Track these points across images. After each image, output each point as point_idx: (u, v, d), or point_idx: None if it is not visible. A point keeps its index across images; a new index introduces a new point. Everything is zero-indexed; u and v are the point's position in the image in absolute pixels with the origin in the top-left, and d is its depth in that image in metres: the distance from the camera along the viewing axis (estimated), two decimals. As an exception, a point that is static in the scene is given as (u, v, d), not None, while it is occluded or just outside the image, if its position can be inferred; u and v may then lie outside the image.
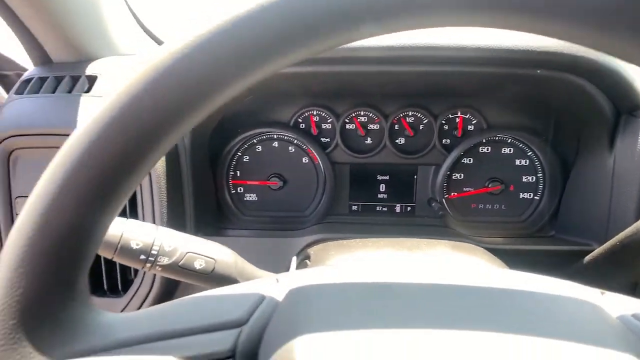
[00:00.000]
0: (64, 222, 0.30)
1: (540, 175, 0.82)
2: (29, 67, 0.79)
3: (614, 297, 0.36)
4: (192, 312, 0.34)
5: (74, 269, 0.31)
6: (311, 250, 0.68)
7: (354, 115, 0.82)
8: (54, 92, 0.71)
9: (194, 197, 0.74)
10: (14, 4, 0.68)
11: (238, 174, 0.86)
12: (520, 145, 0.81)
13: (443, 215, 0.81)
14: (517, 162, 0.82)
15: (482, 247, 0.68)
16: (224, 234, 0.81)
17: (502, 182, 0.82)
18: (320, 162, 0.83)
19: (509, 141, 0.81)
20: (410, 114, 0.81)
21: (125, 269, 0.72)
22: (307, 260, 0.64)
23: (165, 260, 0.46)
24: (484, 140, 0.81)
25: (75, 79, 0.72)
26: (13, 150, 0.71)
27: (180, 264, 0.46)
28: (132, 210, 0.69)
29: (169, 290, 0.73)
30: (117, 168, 0.29)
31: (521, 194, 0.83)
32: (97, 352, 0.31)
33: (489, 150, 0.82)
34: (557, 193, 0.82)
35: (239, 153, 0.84)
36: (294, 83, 0.74)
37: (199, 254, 0.47)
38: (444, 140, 0.82)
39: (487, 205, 0.84)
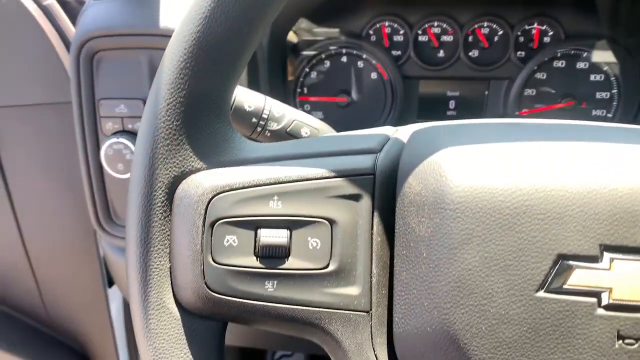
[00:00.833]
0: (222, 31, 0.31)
1: (615, 91, 0.81)
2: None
3: None
4: (329, 142, 0.35)
5: (225, 84, 0.32)
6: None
7: (427, 25, 0.81)
8: (133, -6, 0.71)
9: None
10: None
11: (305, 91, 0.86)
12: (596, 59, 0.80)
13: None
14: (592, 77, 0.81)
15: None
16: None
17: (575, 98, 0.81)
18: (390, 76, 0.83)
19: (584, 55, 0.80)
20: (485, 24, 0.80)
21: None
22: None
23: (274, 126, 0.47)
24: (559, 54, 0.80)
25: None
26: (96, 53, 0.72)
27: (288, 130, 0.47)
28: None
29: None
30: None
31: (594, 110, 0.82)
32: (247, 163, 0.32)
33: (564, 64, 0.81)
34: (632, 111, 0.80)
35: (306, 69, 0.84)
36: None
37: (306, 123, 0.48)
38: (519, 53, 0.81)
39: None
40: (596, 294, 0.28)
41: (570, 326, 0.28)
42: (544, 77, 0.81)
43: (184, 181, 0.31)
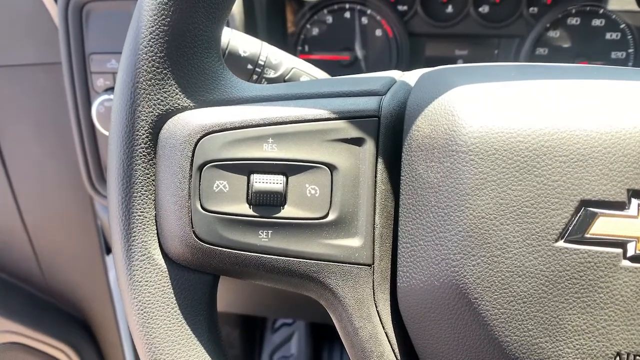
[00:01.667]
0: None
1: (632, 51, 0.77)
2: None
3: None
4: (331, 84, 0.32)
5: (213, 21, 0.29)
6: None
7: (435, -20, 0.77)
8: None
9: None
10: None
11: (306, 49, 0.82)
12: (613, 17, 0.76)
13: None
14: (608, 35, 0.77)
15: None
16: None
17: (589, 57, 0.77)
18: (395, 33, 0.79)
19: (600, 12, 0.76)
20: (496, -22, 0.76)
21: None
22: None
23: (271, 74, 0.44)
24: (573, 11, 0.76)
25: None
26: (85, 4, 0.68)
27: (286, 78, 0.44)
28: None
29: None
30: None
31: (608, 71, 0.79)
32: (240, 103, 0.29)
33: (578, 22, 0.77)
34: (648, 71, 0.77)
35: (307, 26, 0.81)
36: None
37: (305, 71, 0.45)
38: (531, 9, 0.77)
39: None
40: (622, 244, 0.25)
41: (592, 279, 0.25)
42: (557, 35, 0.77)
43: (169, 120, 0.28)
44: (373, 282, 0.30)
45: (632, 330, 0.25)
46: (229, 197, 0.28)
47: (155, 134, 0.28)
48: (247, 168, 0.28)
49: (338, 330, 0.31)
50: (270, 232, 0.28)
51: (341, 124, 0.29)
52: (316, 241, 0.29)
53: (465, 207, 0.26)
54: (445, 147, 0.27)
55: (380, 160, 0.30)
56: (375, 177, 0.30)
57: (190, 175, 0.28)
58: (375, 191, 0.30)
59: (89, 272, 1.01)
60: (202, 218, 0.28)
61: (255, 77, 0.43)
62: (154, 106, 0.28)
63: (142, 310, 0.28)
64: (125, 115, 0.28)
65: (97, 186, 0.73)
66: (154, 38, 0.27)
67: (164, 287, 0.29)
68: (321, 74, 0.46)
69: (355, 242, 0.29)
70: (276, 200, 0.28)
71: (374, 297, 0.30)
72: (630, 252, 0.25)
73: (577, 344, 0.25)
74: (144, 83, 0.27)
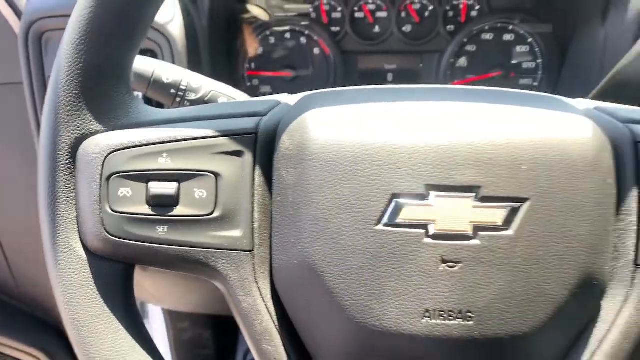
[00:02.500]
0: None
1: (540, 61, 0.86)
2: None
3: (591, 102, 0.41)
4: (221, 107, 0.40)
5: (122, 56, 0.37)
6: None
7: (362, 3, 0.85)
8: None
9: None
10: None
11: (253, 66, 0.90)
12: (522, 32, 0.85)
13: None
14: (518, 48, 0.86)
15: None
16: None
17: (504, 68, 0.86)
18: (330, 52, 0.87)
19: (510, 28, 0.85)
20: (416, 0, 0.85)
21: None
22: None
23: (192, 96, 0.52)
24: (486, 28, 0.85)
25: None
26: (44, 33, 0.76)
27: (206, 99, 0.52)
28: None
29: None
30: None
31: (521, 79, 0.88)
32: (141, 126, 0.38)
33: (492, 37, 0.86)
34: (554, 79, 0.86)
35: (254, 45, 0.89)
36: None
37: (223, 93, 0.53)
38: (448, 27, 0.86)
39: (489, 92, 0.89)
40: (424, 226, 0.33)
41: (403, 253, 0.33)
42: (474, 49, 0.87)
43: (84, 142, 0.36)
44: (254, 265, 0.38)
45: (435, 291, 0.33)
46: (132, 201, 0.36)
47: (74, 152, 0.36)
48: (145, 177, 0.36)
49: (229, 305, 0.39)
50: (166, 227, 0.36)
51: (224, 140, 0.37)
52: (205, 233, 0.37)
53: (311, 201, 0.34)
54: (298, 156, 0.35)
55: (257, 168, 0.38)
56: (254, 181, 0.38)
57: (101, 185, 0.36)
58: (253, 193, 0.38)
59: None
60: (111, 217, 0.36)
61: (178, 99, 0.51)
62: (72, 131, 0.36)
63: (67, 292, 0.36)
64: (50, 139, 0.36)
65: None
66: (70, 79, 0.35)
67: (85, 273, 0.36)
68: (238, 94, 0.54)
69: (237, 233, 0.37)
70: (170, 201, 0.36)
71: (255, 277, 0.38)
72: (430, 231, 0.33)
73: (396, 304, 0.34)
74: (63, 115, 0.35)
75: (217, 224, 0.37)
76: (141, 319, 0.40)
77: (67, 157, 0.36)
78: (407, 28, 0.86)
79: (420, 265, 0.33)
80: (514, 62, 0.86)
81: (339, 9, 0.86)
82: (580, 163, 0.33)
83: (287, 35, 0.88)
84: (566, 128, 0.34)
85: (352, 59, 0.89)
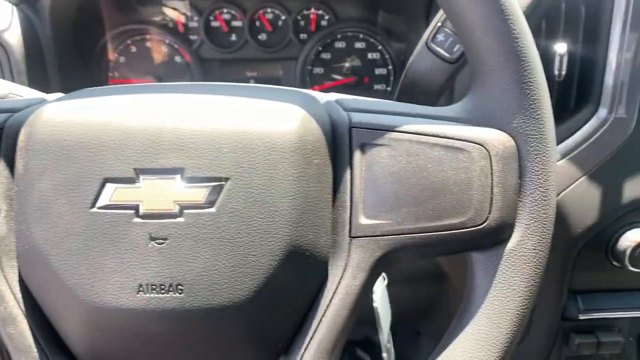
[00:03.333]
0: None
1: (391, 67, 0.92)
2: None
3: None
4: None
5: None
6: None
7: (217, 12, 0.89)
8: None
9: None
10: None
11: (116, 75, 0.92)
12: (371, 40, 0.90)
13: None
14: (369, 55, 0.91)
15: None
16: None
17: (358, 74, 0.91)
18: (191, 60, 0.90)
19: (360, 36, 0.90)
20: (269, 10, 0.89)
21: None
22: None
23: None
24: (339, 36, 0.90)
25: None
26: None
27: None
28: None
29: None
30: None
31: (375, 85, 0.93)
32: None
33: (344, 45, 0.91)
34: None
35: (115, 53, 0.90)
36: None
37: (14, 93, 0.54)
38: (301, 36, 0.90)
39: (346, 97, 0.94)
40: (133, 207, 0.36)
41: (116, 233, 0.36)
42: (329, 56, 0.91)
43: None
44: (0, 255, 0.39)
45: (146, 267, 0.36)
46: None
47: None
48: None
49: None
50: None
51: None
52: None
53: (33, 189, 0.36)
54: (25, 146, 0.37)
55: (1, 161, 0.39)
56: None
57: None
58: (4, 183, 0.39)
59: None
60: None
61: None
62: None
63: None
64: None
65: None
66: None
67: None
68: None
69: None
70: None
71: (1, 264, 0.39)
72: (140, 211, 0.36)
73: (114, 281, 0.36)
74: None
75: None
76: None
77: None
78: (262, 36, 0.90)
79: (131, 243, 0.36)
80: (367, 69, 0.92)
81: (195, 18, 0.89)
82: (281, 147, 0.37)
83: (148, 44, 0.90)
84: (273, 117, 0.38)
85: (215, 67, 0.92)
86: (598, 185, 0.68)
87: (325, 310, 0.39)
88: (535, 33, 0.66)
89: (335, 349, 0.39)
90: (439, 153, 0.38)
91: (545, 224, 0.38)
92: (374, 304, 0.53)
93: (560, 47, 0.65)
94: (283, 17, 0.89)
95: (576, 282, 0.74)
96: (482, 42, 0.37)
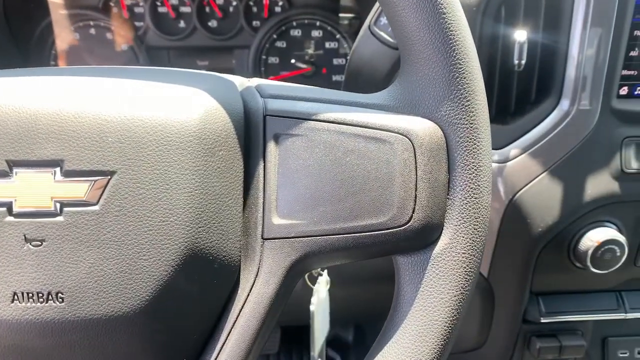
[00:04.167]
0: None
1: (350, 58, 0.87)
2: None
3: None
4: None
5: None
6: None
7: (164, -3, 0.84)
8: None
9: None
10: None
11: (58, 64, 0.86)
12: (329, 28, 0.86)
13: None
14: (327, 44, 0.87)
15: None
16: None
17: (315, 65, 0.87)
18: (136, 47, 0.85)
19: (317, 24, 0.86)
20: (219, -5, 0.84)
21: None
22: None
23: None
24: (294, 24, 0.85)
25: None
26: None
27: None
28: None
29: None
30: None
31: (334, 76, 0.89)
32: None
33: (300, 33, 0.86)
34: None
35: (56, 39, 0.84)
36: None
37: None
38: (254, 22, 0.85)
39: (304, 88, 0.89)
40: (6, 204, 0.31)
41: None
42: (284, 45, 0.86)
43: None
44: None
45: (21, 272, 0.31)
46: None
47: None
48: None
49: None
50: None
51: None
52: None
53: None
54: None
55: None
56: None
57: None
58: None
59: None
60: None
61: None
62: None
63: None
64: None
65: None
66: None
67: None
68: None
69: None
70: None
71: None
72: (14, 209, 0.31)
73: None
74: None
75: None
76: None
77: None
78: (212, 23, 0.85)
79: (4, 246, 0.31)
80: (325, 58, 0.87)
81: (141, 3, 0.83)
82: (176, 137, 0.32)
83: (92, 31, 0.85)
84: (171, 105, 0.33)
85: (163, 55, 0.87)
86: (559, 182, 0.64)
87: (236, 320, 0.34)
88: (495, 19, 0.63)
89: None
90: (359, 144, 0.33)
91: (477, 225, 0.33)
92: (311, 307, 0.49)
93: (520, 35, 0.61)
94: (234, 3, 0.84)
95: (538, 284, 0.71)
96: (408, 20, 0.33)
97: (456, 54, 0.33)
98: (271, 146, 0.35)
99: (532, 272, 0.69)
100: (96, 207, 0.31)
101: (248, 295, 0.34)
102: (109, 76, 0.36)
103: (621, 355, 0.78)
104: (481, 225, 0.34)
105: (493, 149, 0.65)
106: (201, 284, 0.33)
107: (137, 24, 0.84)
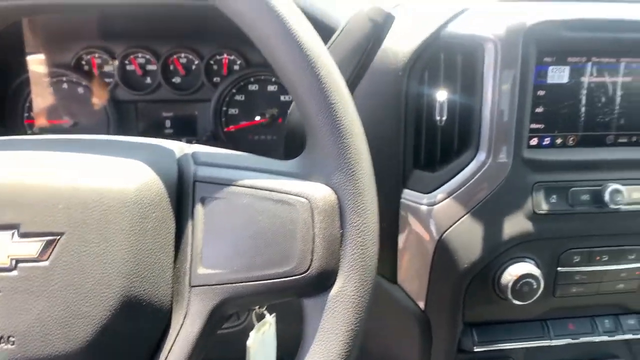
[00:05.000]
0: None
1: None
2: None
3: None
4: None
5: None
6: None
7: (132, 56, 0.92)
8: None
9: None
10: None
11: (32, 116, 0.93)
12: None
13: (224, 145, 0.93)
14: (282, 97, 0.95)
15: None
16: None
17: (271, 115, 0.95)
18: (106, 101, 0.92)
19: (273, 80, 0.94)
20: (182, 55, 0.92)
21: None
22: None
23: None
24: (252, 79, 0.94)
25: None
26: None
27: None
28: None
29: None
30: None
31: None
32: None
33: (257, 88, 0.95)
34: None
35: (32, 95, 0.92)
36: (70, 23, 0.83)
37: None
38: (214, 79, 0.93)
39: (262, 136, 0.97)
40: None
41: None
42: (243, 98, 0.95)
43: None
44: None
45: None
46: None
47: None
48: None
49: None
50: None
51: None
52: None
53: None
54: None
55: None
56: None
57: None
58: None
59: None
60: None
61: None
62: None
63: None
64: None
65: None
66: None
67: None
68: None
69: None
70: None
71: None
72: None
73: None
74: None
75: None
76: None
77: None
78: (176, 80, 0.93)
79: None
80: (282, 110, 0.95)
81: (110, 62, 0.91)
82: (116, 202, 0.39)
83: (65, 86, 0.92)
84: (111, 173, 0.40)
85: (131, 108, 0.94)
86: (480, 223, 0.72)
87: (167, 356, 0.41)
88: (419, 82, 0.71)
89: None
90: (269, 206, 0.41)
91: (364, 272, 0.41)
92: (248, 342, 0.55)
93: (440, 95, 0.70)
94: (196, 62, 0.92)
95: (470, 315, 0.77)
96: (305, 104, 0.41)
97: (343, 135, 0.41)
98: (198, 208, 0.42)
99: (462, 305, 0.76)
100: (46, 263, 0.38)
101: (177, 335, 0.41)
102: (60, 149, 0.43)
103: (551, 379, 0.85)
104: (368, 272, 0.41)
105: (423, 193, 0.73)
106: (136, 326, 0.40)
107: (106, 80, 0.92)
